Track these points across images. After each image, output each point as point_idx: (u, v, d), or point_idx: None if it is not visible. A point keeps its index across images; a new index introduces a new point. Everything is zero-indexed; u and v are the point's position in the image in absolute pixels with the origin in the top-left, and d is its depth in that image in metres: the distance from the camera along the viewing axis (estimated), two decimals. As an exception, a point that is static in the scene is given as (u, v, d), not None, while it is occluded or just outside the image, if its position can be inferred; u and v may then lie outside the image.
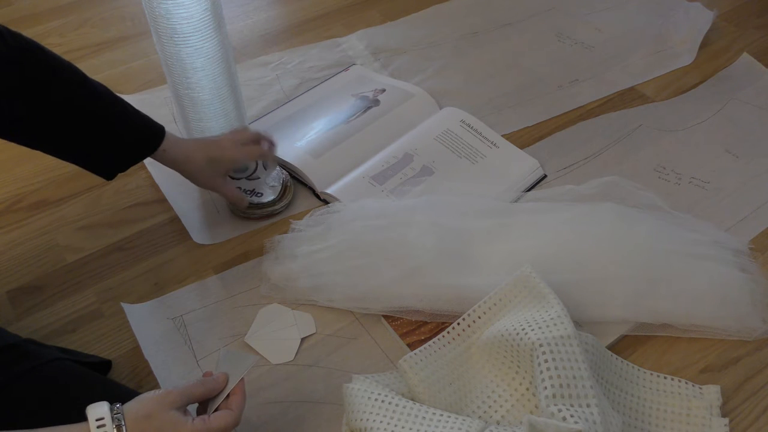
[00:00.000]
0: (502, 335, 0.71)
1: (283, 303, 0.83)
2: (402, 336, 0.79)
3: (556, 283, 0.74)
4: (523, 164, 0.99)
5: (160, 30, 0.82)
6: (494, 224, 0.86)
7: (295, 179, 0.99)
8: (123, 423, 0.56)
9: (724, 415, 0.71)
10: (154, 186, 0.99)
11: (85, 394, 0.57)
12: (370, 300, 0.80)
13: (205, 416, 0.60)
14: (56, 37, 1.30)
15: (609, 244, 0.82)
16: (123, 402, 0.58)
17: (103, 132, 0.79)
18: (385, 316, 0.81)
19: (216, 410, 0.62)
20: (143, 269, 0.88)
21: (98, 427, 0.55)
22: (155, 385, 0.75)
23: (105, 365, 0.77)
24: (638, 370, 0.75)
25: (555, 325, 0.68)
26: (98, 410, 0.56)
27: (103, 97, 0.79)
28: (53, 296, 0.85)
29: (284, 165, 0.99)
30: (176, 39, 0.82)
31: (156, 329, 0.80)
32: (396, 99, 1.10)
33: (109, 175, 0.83)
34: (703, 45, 1.22)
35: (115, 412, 0.56)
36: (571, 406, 0.63)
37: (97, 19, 1.35)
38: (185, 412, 0.60)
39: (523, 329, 0.69)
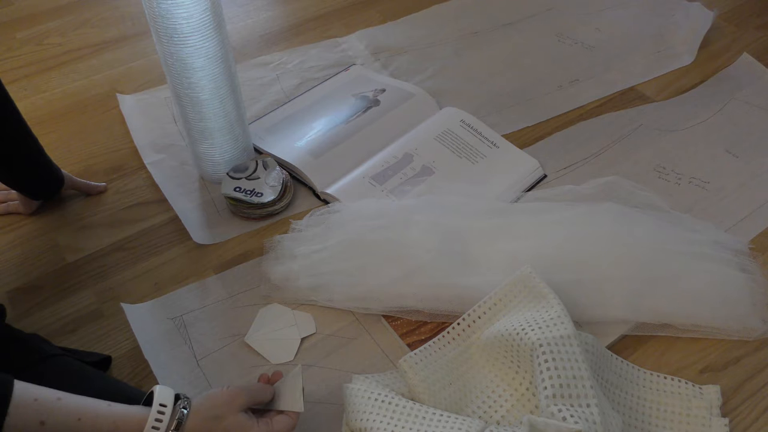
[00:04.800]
0: (502, 335, 0.71)
1: (283, 303, 0.83)
2: (402, 336, 0.79)
3: (556, 283, 0.74)
4: (523, 164, 0.99)
5: (160, 30, 0.82)
6: (494, 224, 0.86)
7: (295, 179, 0.99)
8: (185, 418, 0.58)
9: (724, 415, 0.71)
10: (154, 186, 0.99)
11: (85, 389, 0.57)
12: (370, 300, 0.80)
13: (267, 419, 0.63)
14: (56, 37, 1.30)
15: (609, 244, 0.82)
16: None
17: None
18: (385, 316, 0.81)
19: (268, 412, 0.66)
20: (143, 269, 0.88)
21: (159, 412, 0.57)
22: (155, 385, 0.75)
23: (105, 362, 0.77)
24: (638, 370, 0.75)
25: (555, 325, 0.68)
26: (163, 394, 0.58)
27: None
28: (53, 296, 0.85)
29: (284, 165, 0.99)
30: (176, 39, 0.82)
31: (156, 329, 0.80)
32: (396, 99, 1.10)
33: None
34: (703, 45, 1.22)
35: (182, 405, 0.58)
36: (571, 406, 0.63)
37: (97, 19, 1.35)
38: (249, 413, 0.62)
39: (523, 329, 0.69)
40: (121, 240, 0.92)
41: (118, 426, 0.55)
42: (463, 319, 0.76)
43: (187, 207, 0.96)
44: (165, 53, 0.85)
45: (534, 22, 1.31)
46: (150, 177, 1.00)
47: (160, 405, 0.57)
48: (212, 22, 0.83)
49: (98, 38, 1.30)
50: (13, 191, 0.93)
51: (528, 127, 1.08)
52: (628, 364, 0.75)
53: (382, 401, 0.66)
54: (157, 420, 0.56)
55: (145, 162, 1.02)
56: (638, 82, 1.16)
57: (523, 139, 1.05)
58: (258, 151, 1.03)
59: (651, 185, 0.95)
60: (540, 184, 0.98)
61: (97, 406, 0.56)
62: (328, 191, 0.94)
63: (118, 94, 1.15)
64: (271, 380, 0.68)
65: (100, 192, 0.98)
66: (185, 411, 0.58)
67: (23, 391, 0.52)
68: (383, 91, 1.12)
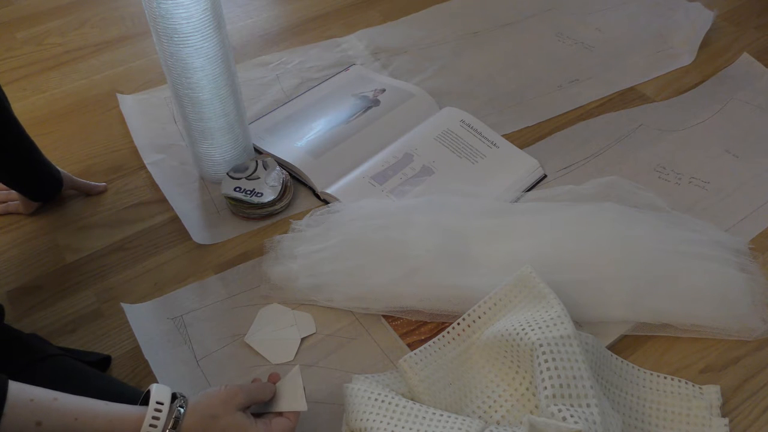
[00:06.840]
0: (502, 335, 0.71)
1: (283, 303, 0.83)
2: (402, 336, 0.79)
3: (556, 283, 0.74)
4: (523, 164, 0.99)
5: (160, 30, 0.82)
6: (494, 224, 0.86)
7: (295, 179, 0.99)
8: (181, 417, 0.57)
9: (724, 415, 0.71)
10: (154, 186, 0.99)
11: (84, 389, 0.57)
12: (370, 300, 0.80)
13: (266, 420, 0.62)
14: (56, 37, 1.30)
15: (609, 244, 0.82)
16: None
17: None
18: (385, 316, 0.81)
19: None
20: (143, 269, 0.88)
21: (156, 410, 0.57)
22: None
23: (104, 362, 0.77)
24: (638, 370, 0.75)
25: (555, 325, 0.68)
26: (160, 393, 0.58)
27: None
28: (53, 296, 0.85)
29: (284, 165, 0.99)
30: (176, 39, 0.82)
31: (156, 329, 0.80)
32: (396, 99, 1.10)
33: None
34: (703, 45, 1.22)
35: (179, 404, 0.58)
36: (571, 406, 0.63)
37: (97, 19, 1.35)
38: (248, 413, 0.62)
39: (523, 329, 0.69)
40: (121, 240, 0.92)
41: (115, 425, 0.55)
42: (463, 319, 0.76)
43: (187, 207, 0.96)
44: (165, 53, 0.85)
45: (534, 22, 1.31)
46: (150, 177, 1.00)
47: (157, 403, 0.57)
48: (212, 22, 0.83)
49: (98, 38, 1.30)
50: (13, 191, 0.93)
51: (528, 127, 1.08)
52: (628, 364, 0.75)
53: (382, 401, 0.66)
54: (154, 418, 0.56)
55: (145, 162, 1.02)
56: (638, 82, 1.16)
57: (523, 139, 1.05)
58: (258, 151, 1.03)
59: (651, 185, 0.95)
60: (540, 184, 0.98)
61: (93, 405, 0.56)
62: (328, 191, 0.94)
63: (118, 94, 1.15)
64: (269, 381, 0.68)
65: (100, 192, 0.98)
66: (182, 410, 0.58)
67: (19, 391, 0.52)
68: (383, 91, 1.12)
